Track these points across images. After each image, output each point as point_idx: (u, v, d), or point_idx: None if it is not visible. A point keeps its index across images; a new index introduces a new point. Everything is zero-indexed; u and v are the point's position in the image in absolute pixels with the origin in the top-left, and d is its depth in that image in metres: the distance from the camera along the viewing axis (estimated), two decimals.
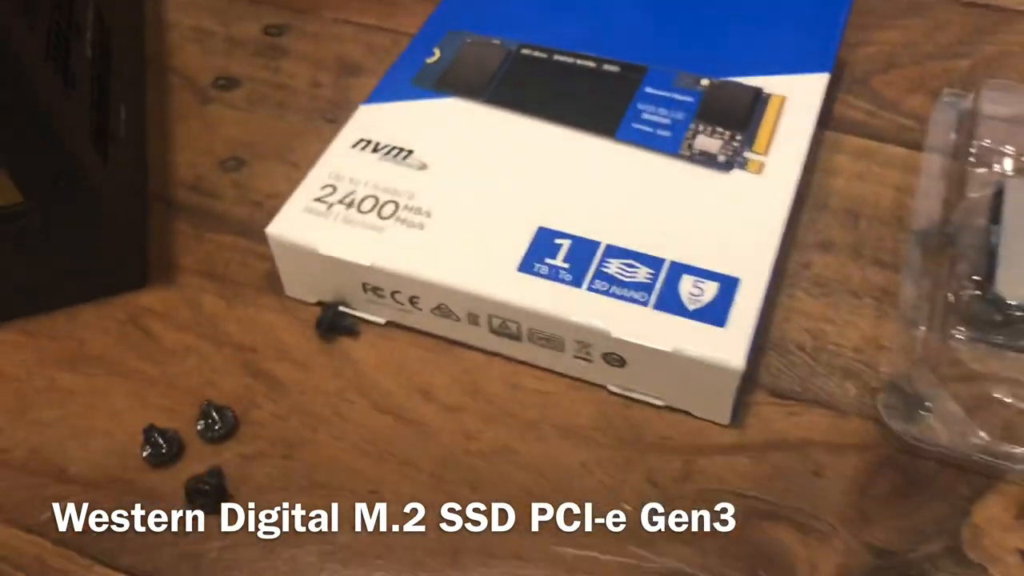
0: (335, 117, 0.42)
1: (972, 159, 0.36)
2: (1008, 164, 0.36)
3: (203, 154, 0.41)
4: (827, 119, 0.40)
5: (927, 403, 0.30)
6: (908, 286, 0.34)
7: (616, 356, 0.30)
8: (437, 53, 0.38)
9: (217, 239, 0.37)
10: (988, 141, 0.36)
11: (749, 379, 0.32)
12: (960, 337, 0.31)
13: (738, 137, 0.34)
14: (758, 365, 0.32)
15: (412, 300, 0.32)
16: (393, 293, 0.32)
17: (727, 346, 0.28)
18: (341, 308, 0.34)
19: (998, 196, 0.34)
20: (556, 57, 0.38)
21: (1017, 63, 0.42)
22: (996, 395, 0.30)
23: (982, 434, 0.29)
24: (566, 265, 0.31)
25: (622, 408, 0.31)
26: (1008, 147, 0.36)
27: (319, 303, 0.35)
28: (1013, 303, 0.31)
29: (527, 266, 0.31)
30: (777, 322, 0.33)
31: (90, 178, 0.32)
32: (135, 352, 0.34)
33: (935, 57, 0.43)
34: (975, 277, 0.32)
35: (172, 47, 0.46)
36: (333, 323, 0.34)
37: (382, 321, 0.34)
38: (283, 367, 0.33)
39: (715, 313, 0.29)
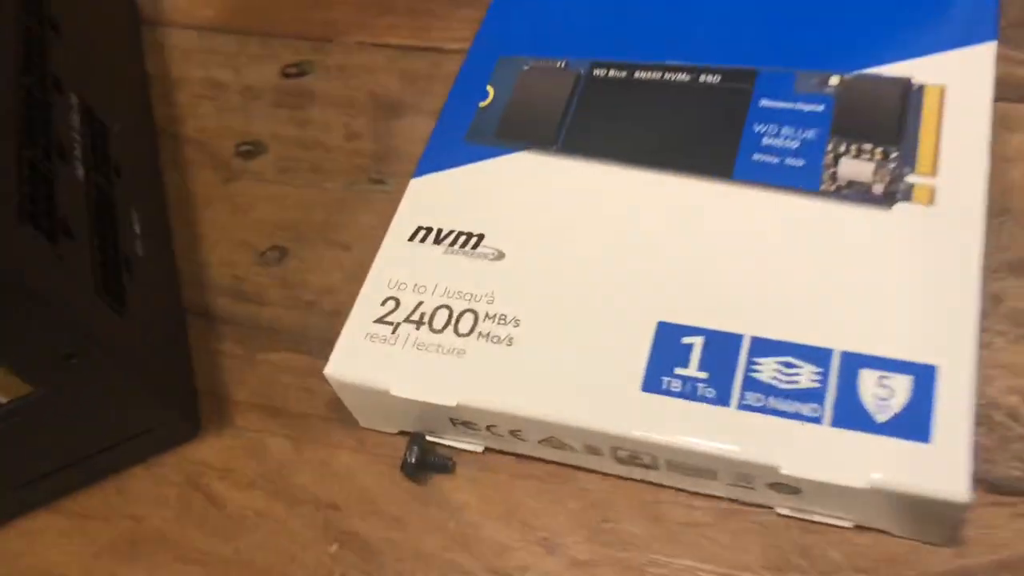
0: (381, 175, 0.35)
1: None
2: None
3: (238, 247, 0.35)
4: None
5: None
6: None
7: (788, 486, 0.23)
8: (491, 92, 0.31)
9: (270, 359, 0.32)
10: None
11: None
12: None
13: (893, 154, 0.27)
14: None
15: (513, 433, 0.26)
16: (489, 427, 0.26)
17: (941, 471, 0.22)
18: (429, 438, 0.28)
19: None
20: (638, 74, 0.30)
21: None
22: None
23: None
24: (704, 375, 0.24)
25: (799, 534, 0.25)
26: None
27: (401, 432, 0.29)
28: None
29: (653, 383, 0.24)
30: (977, 384, 0.26)
31: (105, 342, 0.26)
32: (200, 526, 0.28)
33: None
34: None
35: (184, 110, 0.39)
36: (422, 461, 0.28)
37: (480, 448, 0.28)
38: (372, 525, 0.27)
39: (915, 421, 0.22)
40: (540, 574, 0.26)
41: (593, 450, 0.25)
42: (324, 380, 0.28)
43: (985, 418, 0.26)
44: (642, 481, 0.26)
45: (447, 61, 0.38)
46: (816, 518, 0.25)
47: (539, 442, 0.26)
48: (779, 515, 0.25)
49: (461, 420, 0.26)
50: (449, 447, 0.28)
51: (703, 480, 0.25)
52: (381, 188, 0.35)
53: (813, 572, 0.24)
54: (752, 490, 0.24)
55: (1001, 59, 0.32)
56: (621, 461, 0.25)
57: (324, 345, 0.31)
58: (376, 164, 0.35)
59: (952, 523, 0.23)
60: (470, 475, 0.28)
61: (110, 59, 0.37)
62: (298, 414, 0.30)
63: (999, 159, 0.30)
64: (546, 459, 0.27)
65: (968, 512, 0.24)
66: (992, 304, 0.27)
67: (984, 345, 0.27)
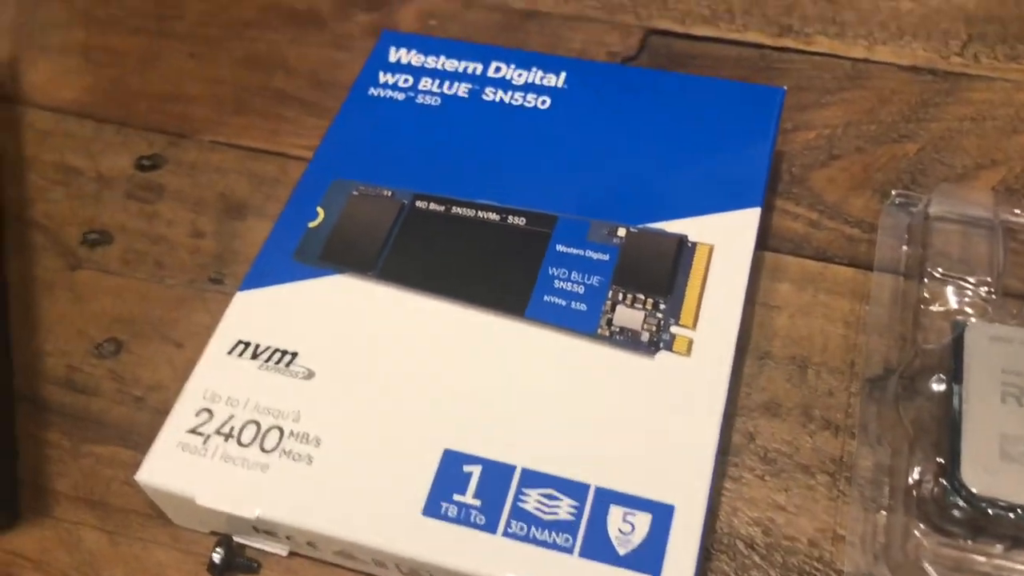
0: (220, 275, 0.37)
1: (926, 291, 0.32)
2: (966, 298, 0.32)
3: (75, 337, 0.36)
4: (765, 234, 0.36)
5: None
6: (864, 457, 0.30)
7: None
8: (320, 213, 0.34)
9: (96, 451, 0.33)
10: (940, 270, 0.33)
11: None
12: (924, 530, 0.28)
13: (661, 306, 0.30)
14: (707, 572, 0.29)
15: (310, 543, 0.28)
16: (287, 536, 0.28)
17: None
18: (237, 539, 0.30)
19: (958, 344, 0.30)
20: (455, 209, 0.33)
21: (968, 143, 0.38)
22: None
23: None
24: (477, 502, 0.27)
25: None
26: (967, 277, 0.32)
27: (213, 532, 0.31)
28: (980, 494, 0.27)
29: (433, 507, 0.27)
30: (724, 514, 0.30)
31: None
32: None
33: (879, 140, 0.39)
34: (939, 459, 0.29)
35: (34, 192, 0.41)
36: (228, 562, 0.30)
37: (285, 552, 0.30)
38: None
39: (649, 556, 0.26)
40: None
41: (381, 564, 0.28)
42: None
43: (731, 549, 0.29)
44: None
45: (293, 167, 0.40)
46: None
47: (334, 552, 0.28)
48: None
49: (264, 529, 0.28)
50: (256, 549, 0.30)
51: None
52: (219, 288, 0.37)
53: None
54: None
55: (779, 211, 0.37)
56: (405, 575, 0.28)
57: (149, 441, 0.33)
58: (216, 263, 0.38)
59: None
60: None
61: None
62: (117, 508, 0.32)
63: (766, 307, 0.34)
64: (343, 566, 0.30)
65: None
66: (747, 441, 0.31)
67: (735, 479, 0.31)
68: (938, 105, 0.40)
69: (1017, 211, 0.34)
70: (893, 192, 0.36)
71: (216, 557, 0.30)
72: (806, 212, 0.37)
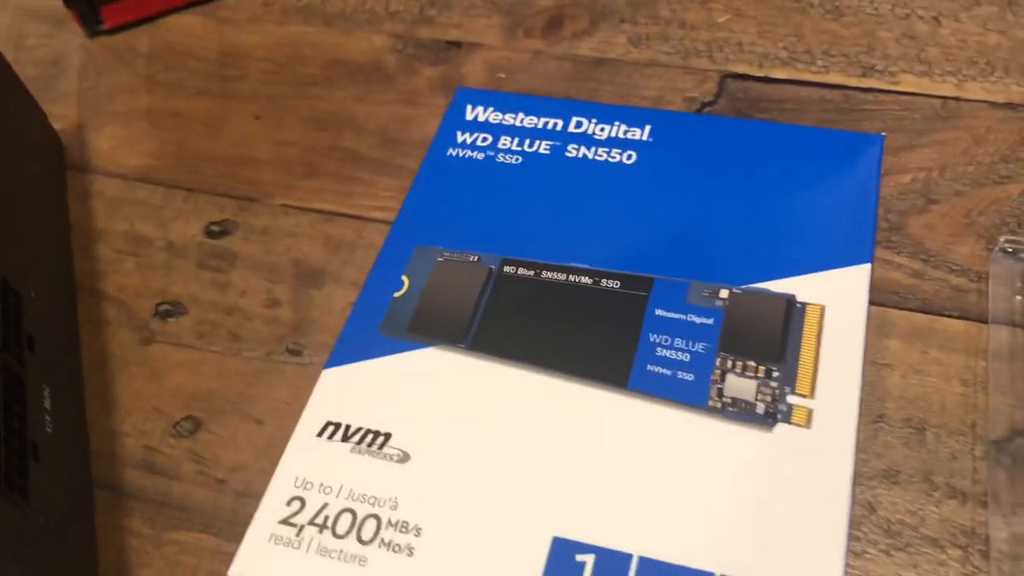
0: (299, 347, 0.36)
1: None
2: None
3: (151, 416, 0.35)
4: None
5: None
6: (998, 528, 0.28)
7: None
8: (406, 282, 0.33)
9: (178, 539, 0.32)
10: None
11: None
12: None
13: (775, 373, 0.29)
14: None
15: None
16: None
17: None
18: None
19: None
20: (545, 274, 0.32)
21: None
22: None
23: None
24: None
25: None
26: None
27: None
28: None
29: None
30: None
31: (3, 540, 0.26)
32: None
33: (979, 183, 0.37)
34: None
35: (105, 265, 0.40)
36: None
37: None
38: None
39: None
40: None
41: None
42: (229, 560, 0.28)
43: None
44: None
45: (369, 230, 0.39)
46: None
47: None
48: None
49: None
50: None
51: None
52: (297, 360, 0.36)
53: None
54: None
55: (880, 262, 0.35)
56: None
57: (232, 526, 0.32)
58: (294, 334, 0.36)
59: None
60: None
61: (32, 212, 0.37)
62: None
63: (876, 365, 0.32)
64: None
65: None
66: (867, 513, 0.29)
67: (857, 554, 0.29)
68: None
69: None
70: (1001, 239, 0.34)
71: None
72: (908, 262, 0.35)
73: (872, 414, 0.31)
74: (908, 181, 0.38)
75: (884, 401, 0.32)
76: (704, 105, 0.42)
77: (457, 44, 0.46)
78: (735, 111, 0.41)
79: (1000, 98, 0.40)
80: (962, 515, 0.29)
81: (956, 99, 0.40)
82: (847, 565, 0.26)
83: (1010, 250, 0.34)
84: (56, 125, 0.45)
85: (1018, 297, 0.33)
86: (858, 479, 0.30)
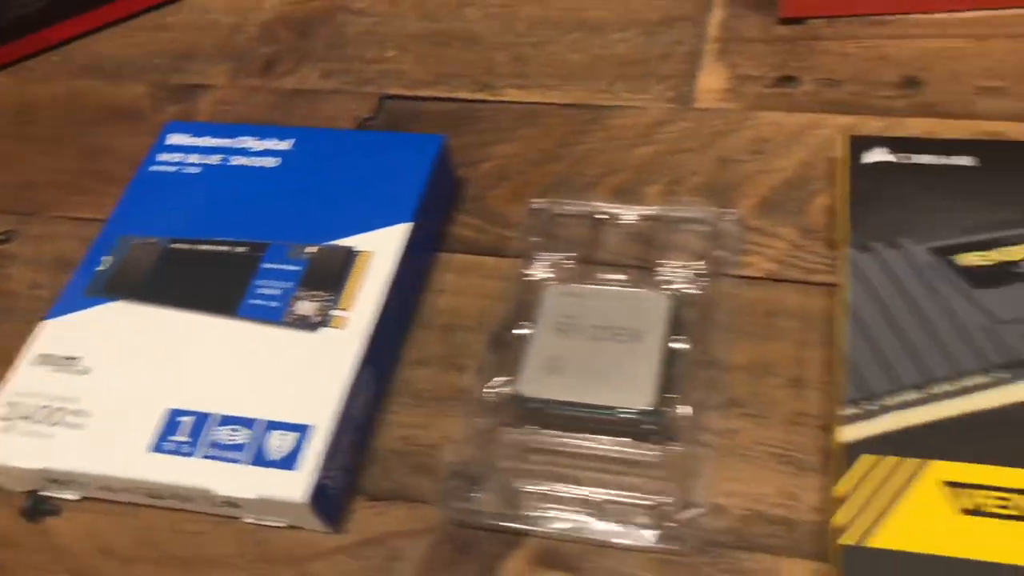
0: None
1: (531, 267, 0.45)
2: (559, 268, 0.45)
3: None
4: (443, 241, 0.49)
5: (478, 483, 0.39)
6: (475, 385, 0.43)
7: (231, 503, 0.39)
8: (105, 261, 0.47)
9: None
10: (545, 254, 0.46)
11: (355, 490, 0.41)
12: (508, 427, 0.40)
13: (330, 298, 0.43)
14: (363, 476, 0.41)
15: (82, 485, 0.41)
16: (68, 482, 0.41)
17: (293, 485, 0.38)
18: (41, 493, 0.43)
19: (539, 299, 0.43)
20: (200, 247, 0.47)
21: (600, 158, 0.51)
22: (524, 468, 0.39)
23: (515, 504, 0.38)
24: (187, 439, 0.40)
25: (256, 533, 0.40)
26: (548, 254, 0.45)
27: (29, 491, 0.43)
28: (531, 397, 0.40)
29: (158, 446, 0.40)
30: (380, 437, 0.42)
31: None
32: None
33: (537, 164, 0.52)
34: (509, 376, 0.41)
35: None
36: (35, 508, 0.42)
37: (77, 497, 0.43)
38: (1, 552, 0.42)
39: (290, 459, 0.38)
40: (99, 571, 0.40)
41: (130, 491, 0.40)
42: None
43: (380, 458, 0.42)
44: (176, 509, 0.41)
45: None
46: (266, 522, 0.40)
47: (98, 489, 0.41)
48: (246, 522, 0.41)
49: (52, 479, 0.41)
50: (57, 498, 0.43)
51: (200, 503, 0.40)
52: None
53: (261, 554, 0.40)
54: (219, 507, 0.40)
55: (458, 223, 0.50)
56: (151, 496, 0.40)
57: None
58: (48, 307, 0.51)
59: (317, 515, 0.38)
60: (70, 516, 0.42)
61: None
62: None
63: (435, 290, 0.47)
64: (113, 500, 0.42)
65: (354, 511, 0.40)
66: (404, 385, 0.44)
67: (392, 412, 0.43)
68: (584, 132, 0.53)
69: (615, 206, 0.47)
70: (531, 201, 0.49)
71: (27, 505, 0.42)
72: (477, 222, 0.50)
73: (423, 323, 0.46)
74: (491, 167, 0.52)
75: (433, 315, 0.46)
76: (366, 120, 0.56)
77: (198, 86, 0.60)
78: (390, 124, 0.56)
79: (569, 100, 0.55)
80: (461, 380, 0.44)
81: (539, 103, 0.55)
82: (347, 411, 0.40)
83: (535, 207, 0.49)
84: None
85: (531, 238, 0.48)
86: (404, 366, 0.45)
